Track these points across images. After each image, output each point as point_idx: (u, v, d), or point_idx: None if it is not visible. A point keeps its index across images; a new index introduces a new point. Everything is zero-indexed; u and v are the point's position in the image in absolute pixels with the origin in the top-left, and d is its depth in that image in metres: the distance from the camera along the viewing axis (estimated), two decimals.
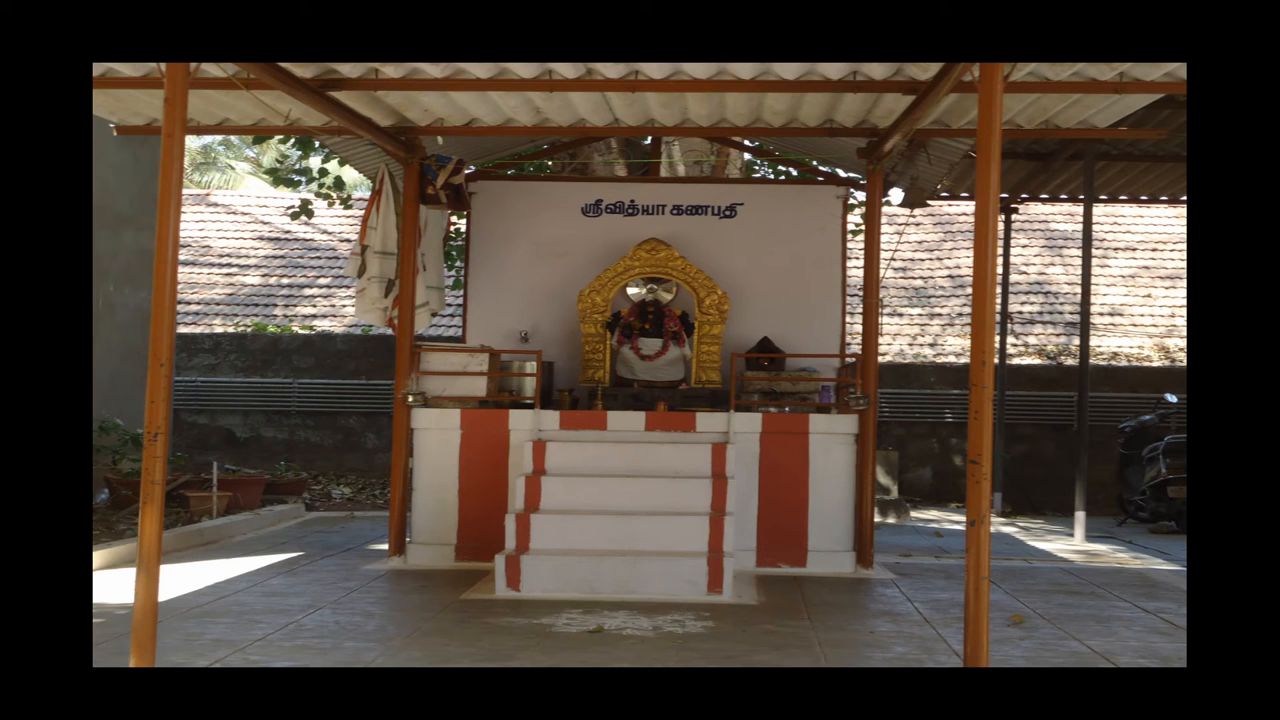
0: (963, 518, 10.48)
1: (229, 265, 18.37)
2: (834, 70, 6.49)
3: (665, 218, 9.17)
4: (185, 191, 20.78)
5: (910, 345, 15.81)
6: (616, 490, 7.46)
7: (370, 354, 14.90)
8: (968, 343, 14.77)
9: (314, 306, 17.25)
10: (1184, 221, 17.65)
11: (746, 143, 11.21)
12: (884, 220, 10.81)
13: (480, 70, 6.60)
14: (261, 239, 19.30)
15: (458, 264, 13.14)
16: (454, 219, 10.88)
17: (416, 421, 8.07)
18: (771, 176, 14.30)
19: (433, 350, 8.40)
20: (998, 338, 12.36)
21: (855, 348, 9.42)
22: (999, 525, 11.65)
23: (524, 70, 6.59)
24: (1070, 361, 14.85)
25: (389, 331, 11.24)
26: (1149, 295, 16.90)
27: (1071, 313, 16.13)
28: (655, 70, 6.55)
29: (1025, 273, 17.25)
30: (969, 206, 16.47)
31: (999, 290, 9.34)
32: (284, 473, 12.70)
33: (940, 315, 16.61)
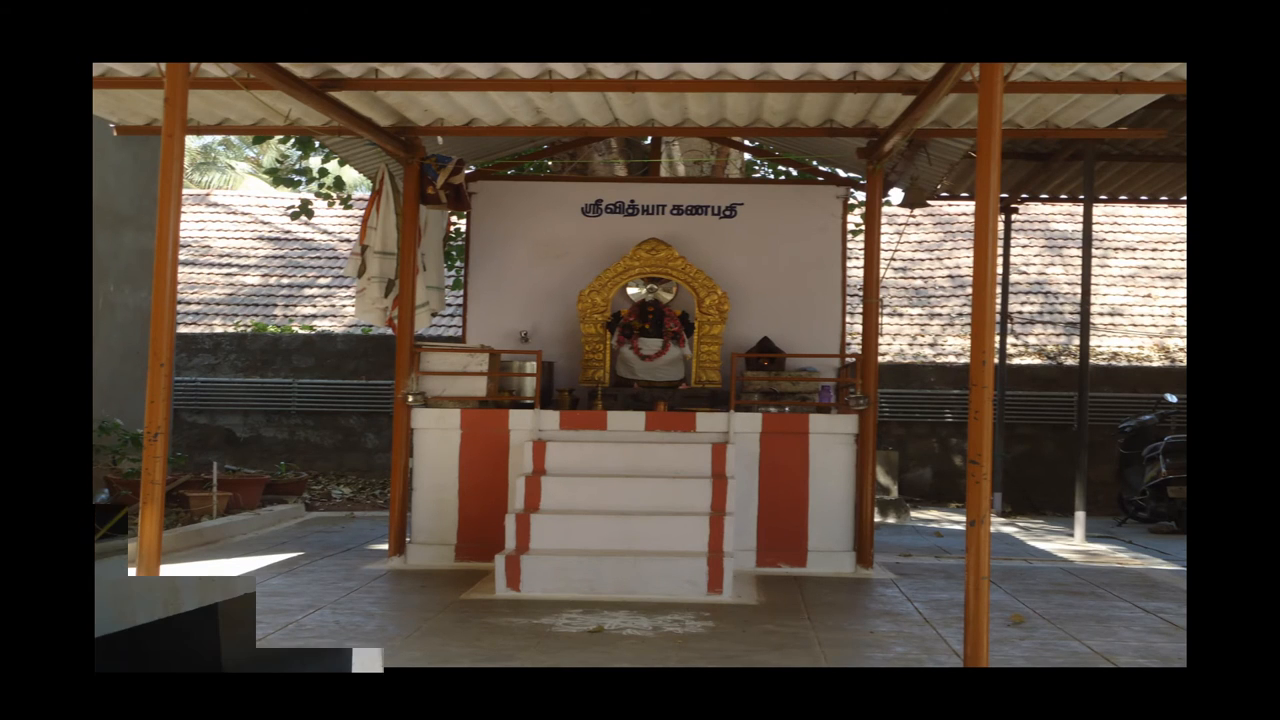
0: (963, 518, 10.48)
1: (229, 265, 18.37)
2: (834, 70, 6.50)
3: (665, 218, 9.17)
4: (185, 191, 20.78)
5: (910, 345, 15.80)
6: (616, 490, 7.46)
7: (370, 354, 14.90)
8: (968, 343, 14.76)
9: (314, 306, 17.25)
10: (1184, 221, 17.65)
11: (746, 143, 11.21)
12: (884, 220, 10.80)
13: (480, 70, 6.60)
14: (261, 239, 19.30)
15: (458, 264, 13.14)
16: (454, 219, 10.88)
17: (416, 421, 8.07)
18: (771, 176, 14.29)
19: (433, 350, 8.40)
20: (998, 338, 12.36)
21: (855, 348, 9.42)
22: (999, 525, 11.64)
23: (524, 70, 6.59)
24: (1070, 361, 14.85)
25: (389, 331, 11.23)
26: (1149, 295, 16.90)
27: (1071, 313, 16.13)
28: (655, 70, 6.55)
29: (1025, 273, 17.25)
30: (969, 206, 16.47)
31: (999, 290, 9.34)
32: (284, 473, 12.70)
33: (940, 315, 16.61)
